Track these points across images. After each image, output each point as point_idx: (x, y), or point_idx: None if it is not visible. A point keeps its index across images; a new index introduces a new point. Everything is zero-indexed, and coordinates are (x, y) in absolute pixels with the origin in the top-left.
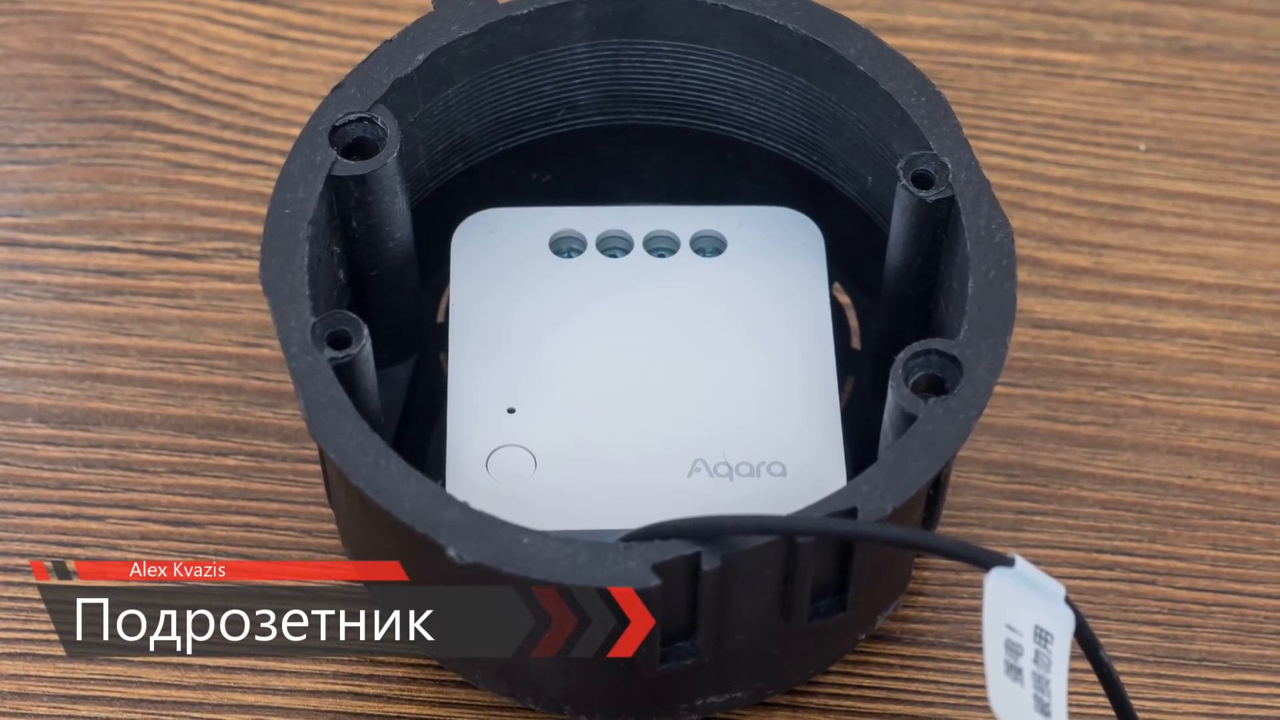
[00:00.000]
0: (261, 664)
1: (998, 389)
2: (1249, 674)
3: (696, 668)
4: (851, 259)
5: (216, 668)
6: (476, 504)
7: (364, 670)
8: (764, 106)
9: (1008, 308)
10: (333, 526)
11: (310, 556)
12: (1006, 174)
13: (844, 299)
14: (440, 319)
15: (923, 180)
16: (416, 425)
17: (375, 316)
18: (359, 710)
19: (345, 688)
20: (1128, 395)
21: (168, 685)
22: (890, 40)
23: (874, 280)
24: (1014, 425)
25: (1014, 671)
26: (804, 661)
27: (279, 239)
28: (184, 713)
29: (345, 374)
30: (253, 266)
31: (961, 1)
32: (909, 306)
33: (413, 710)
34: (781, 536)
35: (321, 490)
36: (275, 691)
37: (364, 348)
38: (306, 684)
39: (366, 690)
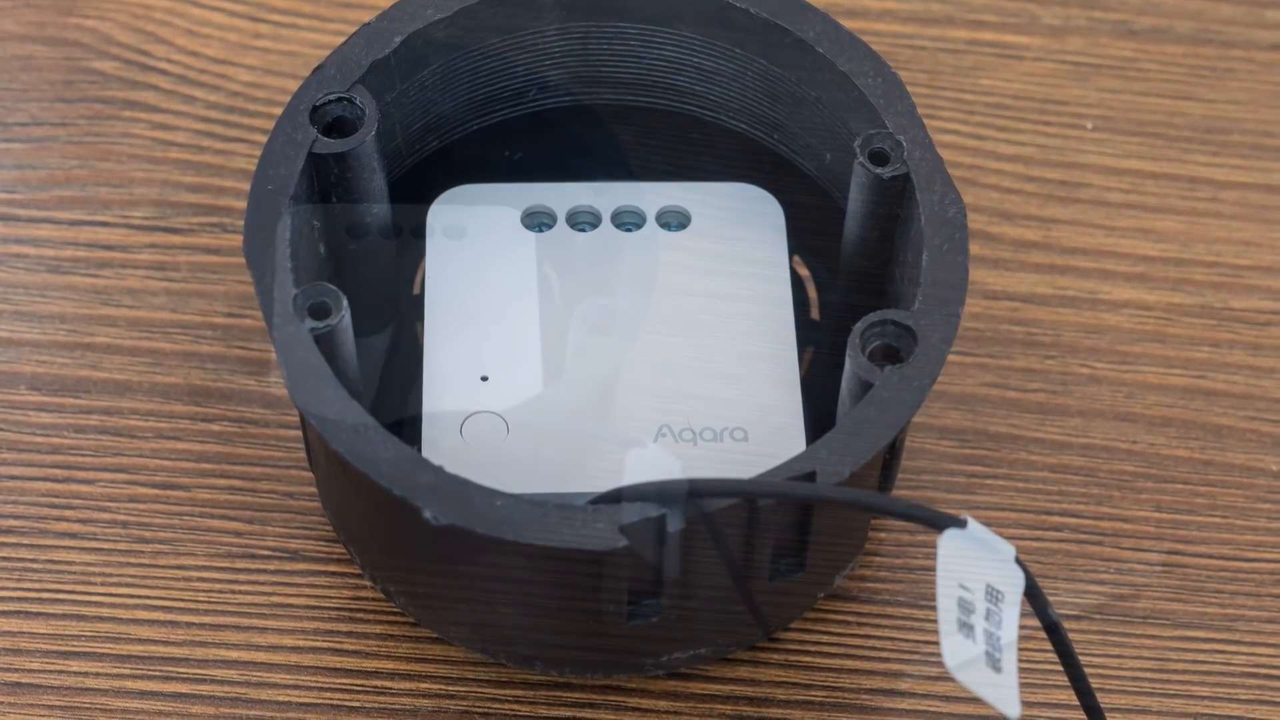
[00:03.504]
0: (245, 621)
1: (950, 357)
2: (1191, 630)
3: (662, 625)
4: (811, 233)
5: (202, 625)
6: (451, 468)
7: (343, 628)
8: (727, 87)
9: (960, 280)
10: (313, 489)
11: (292, 518)
12: (959, 151)
13: (803, 271)
14: (416, 290)
15: (879, 158)
16: (394, 392)
17: (354, 288)
18: (338, 666)
19: (325, 644)
20: (1075, 364)
21: (155, 642)
22: (848, 24)
23: (832, 254)
24: (966, 392)
25: (966, 628)
26: (765, 619)
27: (262, 214)
28: (171, 669)
29: (325, 343)
30: (237, 240)
31: None
32: (866, 279)
33: (390, 666)
34: (743, 499)
35: (303, 454)
36: (259, 648)
37: (343, 318)
38: (288, 641)
39: (345, 647)
